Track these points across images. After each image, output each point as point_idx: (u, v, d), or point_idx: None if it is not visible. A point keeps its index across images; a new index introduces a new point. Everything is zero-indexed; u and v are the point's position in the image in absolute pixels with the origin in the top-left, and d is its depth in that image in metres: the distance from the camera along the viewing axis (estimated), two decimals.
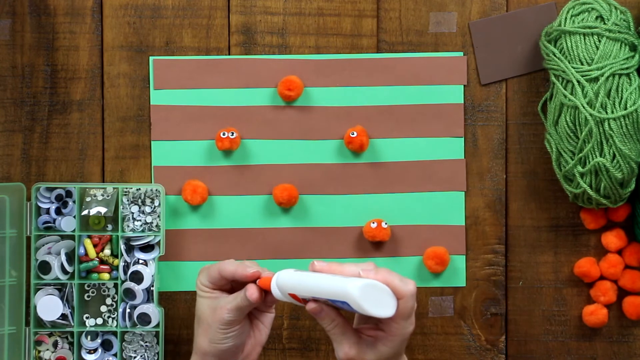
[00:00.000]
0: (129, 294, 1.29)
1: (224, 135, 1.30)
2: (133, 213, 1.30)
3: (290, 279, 1.09)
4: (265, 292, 1.13)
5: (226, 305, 1.14)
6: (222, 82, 1.32)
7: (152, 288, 1.30)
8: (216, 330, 1.14)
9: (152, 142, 1.32)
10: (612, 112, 1.22)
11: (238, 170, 1.32)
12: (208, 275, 1.16)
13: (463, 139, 1.32)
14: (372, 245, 1.32)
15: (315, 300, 1.07)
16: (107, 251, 1.31)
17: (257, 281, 1.12)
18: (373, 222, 1.31)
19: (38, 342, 1.31)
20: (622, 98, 1.23)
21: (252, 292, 1.12)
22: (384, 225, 1.31)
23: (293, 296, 1.09)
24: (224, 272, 1.15)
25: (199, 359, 1.16)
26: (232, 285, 1.16)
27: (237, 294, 1.14)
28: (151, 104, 1.32)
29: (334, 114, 1.32)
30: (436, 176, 1.32)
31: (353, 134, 1.30)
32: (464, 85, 1.32)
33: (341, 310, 1.08)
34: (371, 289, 1.03)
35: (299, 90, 1.31)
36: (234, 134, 1.30)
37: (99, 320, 1.31)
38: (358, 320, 1.12)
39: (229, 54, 1.33)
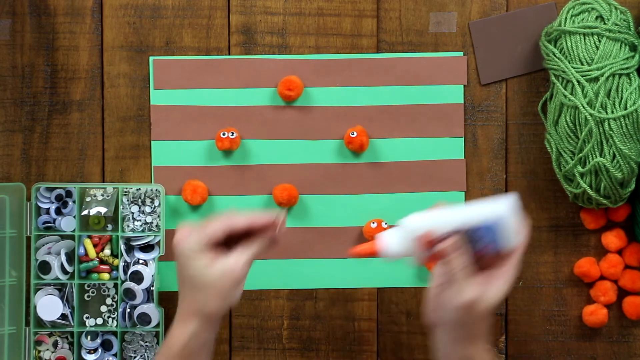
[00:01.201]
0: (129, 294, 1.29)
1: (224, 135, 1.30)
2: (133, 213, 1.30)
3: (425, 218, 1.10)
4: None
5: (239, 263, 1.10)
6: (222, 82, 1.32)
7: (152, 288, 1.30)
8: (232, 290, 1.11)
9: (152, 142, 1.32)
10: (612, 112, 1.22)
11: (238, 170, 1.32)
12: (206, 237, 1.11)
13: (463, 138, 1.32)
14: None
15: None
16: (107, 251, 1.31)
17: (355, 250, 1.12)
18: (373, 222, 1.31)
19: (38, 342, 1.31)
20: (622, 98, 1.23)
21: (273, 236, 1.12)
22: (384, 225, 1.31)
23: (424, 238, 1.09)
24: (235, 227, 1.12)
25: (203, 323, 1.12)
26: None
27: (246, 247, 1.11)
28: (151, 104, 1.32)
29: (334, 114, 1.32)
30: (436, 176, 1.32)
31: (353, 134, 1.30)
32: (464, 85, 1.32)
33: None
34: (512, 213, 1.10)
35: (299, 90, 1.31)
36: (234, 134, 1.30)
37: (99, 320, 1.31)
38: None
39: (229, 54, 1.33)
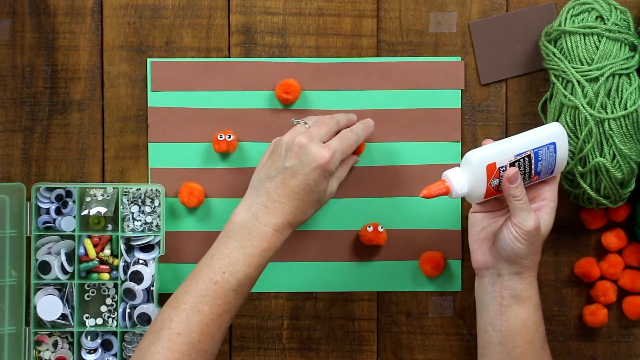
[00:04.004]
0: (129, 294, 1.29)
1: (221, 137, 1.30)
2: (133, 213, 1.31)
3: (488, 150, 1.16)
4: None
5: (334, 185, 1.21)
6: (220, 85, 1.32)
7: (152, 288, 1.30)
8: (326, 198, 1.22)
9: (149, 144, 1.32)
10: (612, 112, 1.22)
11: (235, 173, 1.32)
12: (346, 154, 1.23)
13: (460, 143, 1.32)
14: (368, 249, 1.32)
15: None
16: (107, 251, 1.31)
17: (427, 190, 1.16)
18: (369, 226, 1.31)
19: (38, 342, 1.31)
20: (622, 98, 1.23)
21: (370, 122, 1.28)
22: (380, 229, 1.31)
23: (490, 169, 1.15)
24: (351, 121, 1.27)
25: (294, 229, 1.20)
26: None
27: (341, 172, 1.23)
28: (148, 105, 1.32)
29: None
30: (433, 181, 1.32)
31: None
32: (462, 90, 1.32)
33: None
34: (562, 136, 1.18)
35: (297, 93, 1.31)
36: (231, 137, 1.30)
37: (99, 320, 1.31)
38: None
39: (229, 54, 1.33)
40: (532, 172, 1.17)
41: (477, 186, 1.16)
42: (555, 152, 1.17)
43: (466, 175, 1.16)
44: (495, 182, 1.16)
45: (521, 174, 1.16)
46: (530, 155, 1.16)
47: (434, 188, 1.16)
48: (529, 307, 1.18)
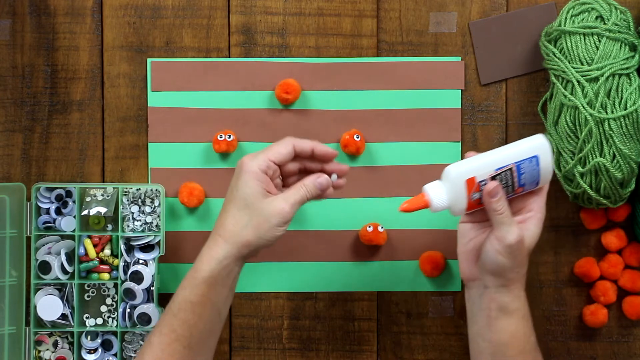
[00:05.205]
0: (129, 294, 1.29)
1: (221, 137, 1.30)
2: (133, 213, 1.30)
3: (468, 164, 1.14)
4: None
5: (289, 200, 1.14)
6: (220, 85, 1.32)
7: (152, 288, 1.30)
8: (273, 226, 1.13)
9: (149, 144, 1.32)
10: (612, 112, 1.22)
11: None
12: (277, 154, 1.15)
13: (460, 143, 1.32)
14: (368, 249, 1.32)
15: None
16: (107, 251, 1.31)
17: (403, 206, 1.14)
18: (369, 226, 1.31)
19: (38, 342, 1.31)
20: (622, 98, 1.23)
21: (323, 180, 1.16)
22: (380, 229, 1.31)
23: (469, 184, 1.13)
24: (300, 146, 1.16)
25: (233, 250, 1.14)
26: (281, 169, 1.17)
27: (298, 187, 1.15)
28: (148, 105, 1.32)
29: (331, 117, 1.32)
30: (433, 180, 1.32)
31: (357, 137, 1.30)
32: (462, 90, 1.32)
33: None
34: (545, 148, 1.15)
35: (297, 93, 1.31)
36: (231, 137, 1.30)
37: (99, 320, 1.31)
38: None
39: (229, 54, 1.33)
40: (516, 185, 1.15)
41: (457, 200, 1.14)
42: (538, 165, 1.15)
43: (445, 189, 1.14)
44: (477, 195, 1.14)
45: (504, 187, 1.14)
46: (512, 168, 1.14)
47: (413, 202, 1.14)
48: (517, 318, 1.16)
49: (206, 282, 1.14)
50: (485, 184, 1.13)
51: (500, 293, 1.16)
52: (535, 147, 1.15)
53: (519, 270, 1.15)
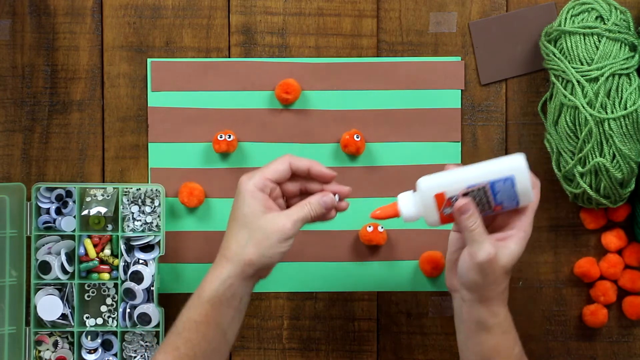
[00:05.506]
0: (129, 294, 1.29)
1: (221, 137, 1.30)
2: (133, 213, 1.31)
3: (439, 178, 1.12)
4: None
5: (292, 217, 1.12)
6: (220, 85, 1.32)
7: (152, 288, 1.30)
8: (274, 243, 1.11)
9: (149, 144, 1.32)
10: (612, 112, 1.22)
11: (235, 173, 1.32)
12: (269, 174, 1.14)
13: (460, 143, 1.32)
14: (368, 249, 1.32)
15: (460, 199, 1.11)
16: (107, 251, 1.31)
17: (375, 212, 1.14)
18: (369, 226, 1.31)
19: (38, 342, 1.31)
20: (622, 98, 1.23)
21: (328, 199, 1.14)
22: (380, 229, 1.31)
23: (439, 199, 1.11)
24: (296, 165, 1.14)
25: (237, 270, 1.12)
26: (282, 189, 1.16)
27: (302, 205, 1.14)
28: (148, 105, 1.32)
29: (331, 117, 1.32)
30: None
31: (357, 137, 1.30)
32: (462, 90, 1.32)
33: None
34: (523, 169, 1.12)
35: (297, 93, 1.31)
36: (231, 137, 1.30)
37: (99, 320, 1.31)
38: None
39: (229, 54, 1.33)
40: (492, 203, 1.13)
41: (428, 213, 1.13)
42: (513, 186, 1.12)
43: (415, 201, 1.13)
44: (449, 210, 1.13)
45: (478, 205, 1.12)
46: (485, 187, 1.12)
47: (385, 210, 1.14)
48: (497, 334, 1.14)
49: (210, 302, 1.13)
50: (456, 200, 1.12)
51: (476, 308, 1.14)
52: (511, 167, 1.12)
53: (494, 288, 1.12)
